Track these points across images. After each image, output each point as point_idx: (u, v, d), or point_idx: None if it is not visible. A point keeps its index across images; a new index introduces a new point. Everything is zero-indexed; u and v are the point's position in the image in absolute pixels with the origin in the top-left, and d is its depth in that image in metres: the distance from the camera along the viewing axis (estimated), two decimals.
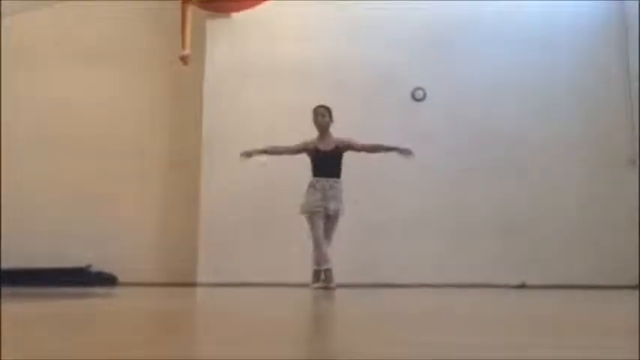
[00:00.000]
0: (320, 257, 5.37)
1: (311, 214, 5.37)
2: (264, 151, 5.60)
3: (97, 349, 1.44)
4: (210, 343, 1.61)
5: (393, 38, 7.21)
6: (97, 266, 6.76)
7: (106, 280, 6.64)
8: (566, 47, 7.26)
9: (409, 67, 7.14)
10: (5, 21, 7.24)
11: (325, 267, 5.36)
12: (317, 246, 5.37)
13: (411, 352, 1.39)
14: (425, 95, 7.12)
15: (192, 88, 7.22)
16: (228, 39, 7.22)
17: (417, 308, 3.26)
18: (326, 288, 5.26)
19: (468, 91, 7.13)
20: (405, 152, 5.47)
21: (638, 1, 6.92)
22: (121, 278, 6.73)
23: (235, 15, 7.23)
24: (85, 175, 7.29)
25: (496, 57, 7.20)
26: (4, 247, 6.70)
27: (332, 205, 5.37)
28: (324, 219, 5.40)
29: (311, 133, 6.67)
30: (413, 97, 7.13)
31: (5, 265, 6.44)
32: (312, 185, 5.44)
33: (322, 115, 5.53)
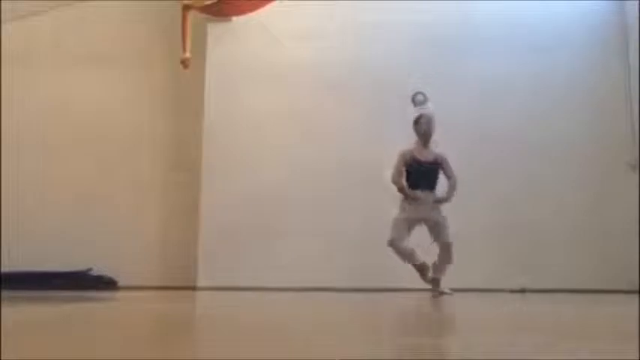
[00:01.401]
0: (411, 255, 5.13)
1: (397, 220, 5.11)
2: (405, 193, 5.23)
3: (97, 351, 1.44)
4: (209, 346, 1.61)
5: (394, 41, 7.21)
6: (97, 270, 6.75)
7: (106, 283, 6.62)
8: (566, 49, 7.24)
9: (409, 71, 7.12)
10: (6, 23, 7.25)
11: (419, 261, 5.16)
12: (397, 251, 5.11)
13: (409, 354, 1.39)
14: (425, 99, 7.10)
15: (193, 90, 7.21)
16: (228, 42, 7.22)
17: (417, 311, 3.26)
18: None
19: (469, 94, 7.12)
20: (441, 201, 5.26)
21: (638, 1, 6.91)
22: (121, 282, 6.72)
23: (236, 18, 7.23)
24: (85, 178, 7.28)
25: (496, 59, 7.18)
26: (4, 251, 6.70)
27: (433, 214, 5.13)
28: (412, 230, 5.17)
29: (311, 135, 6.69)
30: (413, 101, 7.12)
31: (5, 269, 6.44)
32: (406, 200, 5.16)
33: (431, 122, 5.32)
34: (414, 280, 6.40)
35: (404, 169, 5.27)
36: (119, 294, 5.59)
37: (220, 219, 6.74)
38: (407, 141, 6.97)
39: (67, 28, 7.58)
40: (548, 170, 6.96)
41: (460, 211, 6.90)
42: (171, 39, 6.75)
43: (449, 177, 5.33)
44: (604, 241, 6.74)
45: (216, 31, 7.23)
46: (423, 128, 5.31)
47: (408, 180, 5.22)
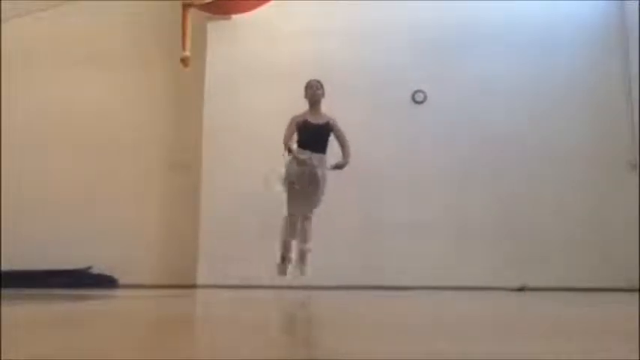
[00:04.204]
0: (287, 244, 5.28)
1: (290, 186, 5.23)
2: (289, 149, 5.30)
3: (97, 350, 1.44)
4: (210, 345, 1.61)
5: (394, 41, 7.21)
6: (97, 268, 6.75)
7: (107, 281, 6.63)
8: (566, 49, 7.25)
9: (409, 70, 7.14)
10: (6, 23, 7.25)
11: (288, 255, 5.29)
12: (290, 225, 5.24)
13: (408, 354, 1.39)
14: (425, 98, 7.12)
15: (193, 90, 7.22)
16: (228, 41, 7.22)
17: (417, 311, 3.26)
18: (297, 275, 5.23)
19: (468, 93, 7.12)
20: (339, 166, 5.31)
21: (638, 1, 6.91)
22: (121, 280, 6.72)
23: (236, 17, 7.23)
24: (85, 176, 7.29)
25: (496, 59, 7.19)
26: (5, 249, 6.70)
27: (317, 170, 5.21)
28: (305, 194, 5.26)
29: None
30: (413, 99, 7.13)
31: (5, 267, 6.44)
32: (295, 157, 5.26)
33: (317, 88, 5.45)
34: (414, 278, 6.43)
35: (294, 132, 5.37)
36: (119, 292, 5.59)
37: (220, 217, 6.75)
38: (407, 142, 7.02)
39: (67, 28, 7.58)
40: (548, 170, 6.97)
41: (461, 210, 6.94)
42: (171, 39, 6.76)
43: (341, 142, 5.41)
44: (604, 241, 6.75)
45: (216, 30, 7.24)
46: (309, 93, 5.45)
47: (298, 142, 5.35)
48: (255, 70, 7.15)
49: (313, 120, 5.38)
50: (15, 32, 7.41)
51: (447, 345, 1.59)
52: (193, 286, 6.48)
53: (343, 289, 5.64)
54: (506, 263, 6.64)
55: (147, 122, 7.50)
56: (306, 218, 5.33)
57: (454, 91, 7.13)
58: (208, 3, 6.63)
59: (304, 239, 5.34)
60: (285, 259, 5.33)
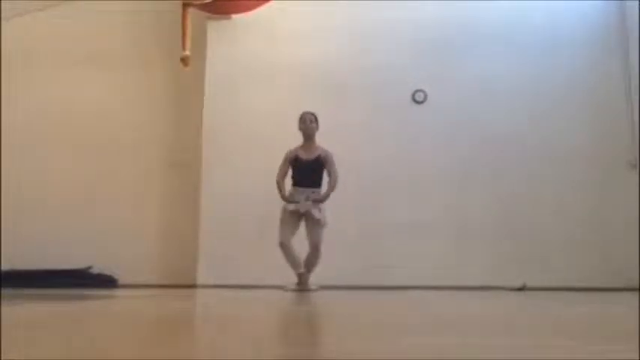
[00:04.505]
0: (295, 262, 5.41)
1: (283, 215, 5.41)
2: (280, 192, 5.52)
3: (97, 350, 1.44)
4: (208, 345, 1.61)
5: (394, 40, 7.22)
6: (97, 268, 6.75)
7: (106, 281, 6.63)
8: (567, 49, 7.25)
9: (410, 70, 7.14)
10: (5, 22, 7.25)
11: (300, 271, 5.41)
12: (288, 257, 5.40)
13: (409, 354, 1.40)
14: (425, 98, 7.12)
15: (193, 89, 7.22)
16: (228, 40, 7.23)
17: (417, 311, 3.26)
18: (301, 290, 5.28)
19: (469, 93, 7.13)
20: (319, 200, 5.44)
21: (638, 1, 6.91)
22: (121, 280, 6.73)
23: (236, 16, 7.23)
24: (85, 176, 7.29)
25: (496, 59, 7.19)
26: (5, 249, 6.70)
27: (310, 212, 5.36)
28: (298, 223, 5.45)
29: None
30: (413, 99, 7.13)
31: (5, 267, 6.44)
32: (290, 194, 5.48)
33: (310, 122, 5.51)
34: (414, 278, 6.43)
35: (288, 168, 5.54)
36: (119, 292, 5.58)
37: (220, 217, 6.75)
38: (407, 142, 7.02)
39: (67, 27, 7.58)
40: (548, 170, 6.97)
41: (461, 210, 6.94)
42: (171, 39, 6.77)
43: (329, 175, 5.50)
44: (604, 241, 6.75)
45: (216, 30, 7.24)
46: (302, 127, 5.54)
47: (292, 177, 5.53)
48: (255, 70, 7.16)
49: (304, 156, 5.48)
50: (15, 32, 7.41)
51: (447, 345, 1.59)
52: (193, 286, 6.48)
53: (343, 289, 5.63)
54: (506, 263, 6.64)
55: (147, 122, 7.50)
56: (313, 250, 5.39)
57: (454, 91, 7.14)
58: (208, 3, 6.63)
59: (308, 269, 5.45)
60: (300, 280, 5.46)
